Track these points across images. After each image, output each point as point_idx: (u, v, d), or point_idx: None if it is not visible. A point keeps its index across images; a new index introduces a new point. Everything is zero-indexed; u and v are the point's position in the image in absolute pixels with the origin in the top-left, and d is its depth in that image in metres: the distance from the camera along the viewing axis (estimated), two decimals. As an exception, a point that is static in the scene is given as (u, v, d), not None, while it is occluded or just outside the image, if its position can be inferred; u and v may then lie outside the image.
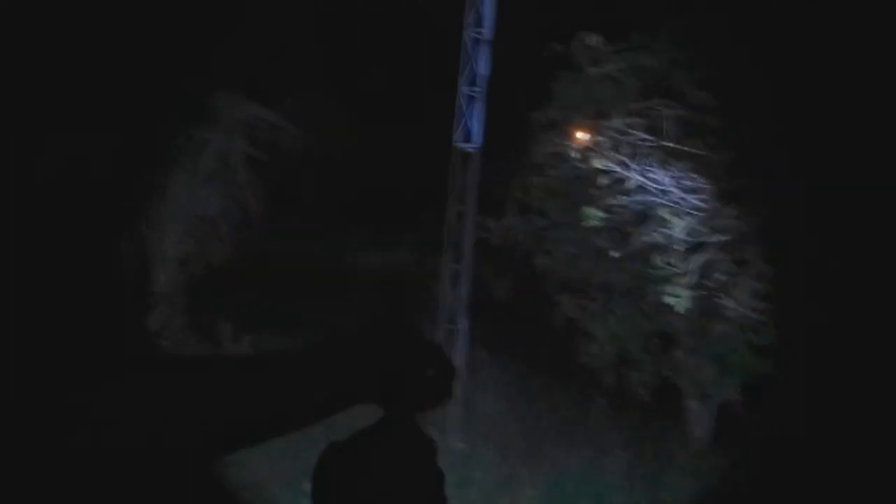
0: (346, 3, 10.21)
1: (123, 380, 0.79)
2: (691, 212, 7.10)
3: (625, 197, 7.43)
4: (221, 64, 9.75)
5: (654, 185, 7.31)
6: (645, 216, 7.42)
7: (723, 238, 7.05)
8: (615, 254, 7.61)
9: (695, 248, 7.20)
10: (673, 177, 7.25)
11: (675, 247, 7.16)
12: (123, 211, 9.62)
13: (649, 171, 7.32)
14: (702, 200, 7.11)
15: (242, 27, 9.89)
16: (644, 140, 7.45)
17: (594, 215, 7.56)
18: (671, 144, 7.34)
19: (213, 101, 9.94)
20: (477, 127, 9.60)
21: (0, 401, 0.74)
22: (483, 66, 9.56)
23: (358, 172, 10.64)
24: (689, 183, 7.19)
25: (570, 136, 8.83)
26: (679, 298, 6.91)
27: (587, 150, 7.95)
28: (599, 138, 7.83)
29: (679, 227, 7.03)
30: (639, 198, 7.38)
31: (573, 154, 8.04)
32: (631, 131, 7.47)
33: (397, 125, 10.28)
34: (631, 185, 7.41)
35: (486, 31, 9.51)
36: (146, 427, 0.77)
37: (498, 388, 9.35)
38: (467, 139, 9.65)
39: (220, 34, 9.75)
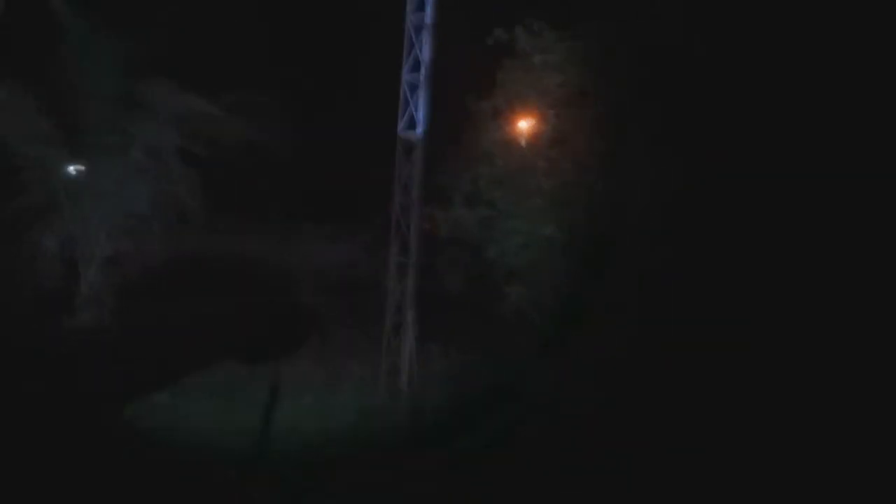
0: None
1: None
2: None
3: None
4: (152, 52, 9.24)
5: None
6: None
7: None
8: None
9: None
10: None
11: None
12: (44, 207, 9.04)
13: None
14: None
15: (176, 14, 9.38)
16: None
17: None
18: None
19: (143, 91, 9.41)
20: (421, 114, 9.36)
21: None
22: (426, 51, 9.31)
23: (301, 165, 10.26)
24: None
25: (517, 125, 8.71)
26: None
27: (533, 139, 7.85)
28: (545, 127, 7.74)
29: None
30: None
31: (521, 143, 7.93)
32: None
33: (340, 115, 9.94)
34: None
35: (428, 15, 9.26)
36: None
37: (445, 380, 9.21)
38: (411, 127, 9.40)
39: (152, 20, 9.23)
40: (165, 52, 9.28)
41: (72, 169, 9.84)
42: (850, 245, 6.79)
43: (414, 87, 9.38)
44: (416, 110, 9.36)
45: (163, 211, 9.72)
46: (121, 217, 9.63)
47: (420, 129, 9.36)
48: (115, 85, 9.30)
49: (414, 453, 6.72)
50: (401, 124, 9.41)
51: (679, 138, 7.47)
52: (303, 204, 10.02)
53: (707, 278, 7.10)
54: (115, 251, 9.58)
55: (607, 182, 7.98)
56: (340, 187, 9.91)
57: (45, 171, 9.44)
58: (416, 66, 9.36)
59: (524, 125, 8.90)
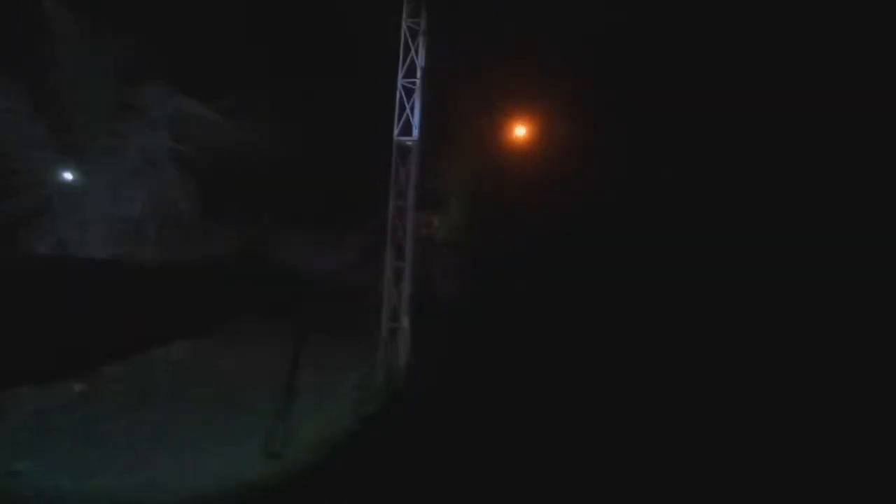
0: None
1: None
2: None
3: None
4: (146, 56, 9.16)
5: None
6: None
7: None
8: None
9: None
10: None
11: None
12: (38, 212, 8.98)
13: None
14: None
15: (172, 18, 9.29)
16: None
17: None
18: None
19: (136, 95, 9.35)
20: (417, 119, 9.32)
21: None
22: (421, 57, 9.27)
23: (296, 170, 10.22)
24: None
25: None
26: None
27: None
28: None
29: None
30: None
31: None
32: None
33: (336, 120, 9.89)
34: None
35: (424, 21, 9.22)
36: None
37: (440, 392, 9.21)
38: (407, 132, 9.38)
39: (147, 25, 9.14)
40: (159, 57, 9.22)
41: (66, 174, 9.77)
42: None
43: (409, 92, 9.34)
44: (411, 115, 9.32)
45: (156, 214, 9.69)
46: (115, 221, 9.59)
47: (415, 133, 9.34)
48: (109, 89, 9.25)
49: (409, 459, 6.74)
50: (396, 129, 9.38)
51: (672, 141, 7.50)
52: (297, 208, 9.99)
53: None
54: (109, 254, 9.54)
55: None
56: (336, 192, 9.88)
57: (39, 176, 9.38)
58: (411, 72, 9.32)
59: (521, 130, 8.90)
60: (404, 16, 9.25)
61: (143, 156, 9.68)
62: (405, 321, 9.31)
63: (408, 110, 9.33)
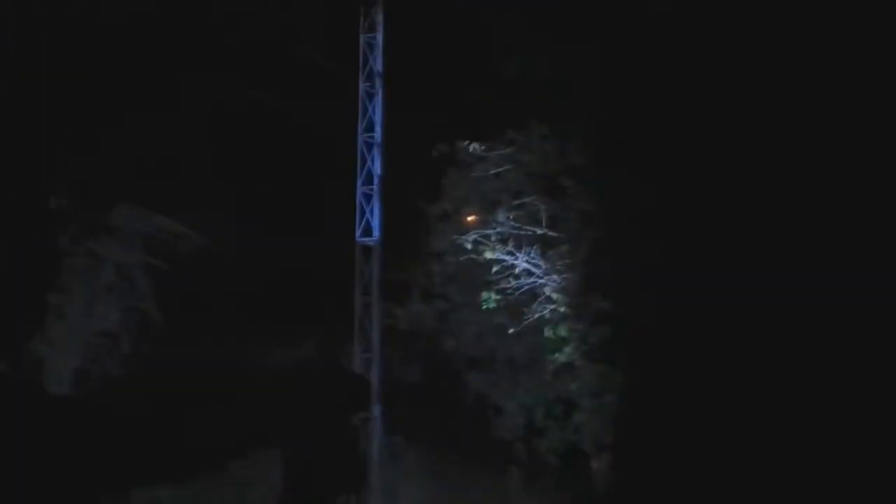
0: (244, 114, 10.64)
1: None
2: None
3: (515, 280, 8.34)
4: (118, 175, 9.87)
5: (537, 269, 8.29)
6: (534, 295, 8.35)
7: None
8: (512, 330, 8.43)
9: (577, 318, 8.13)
10: (550, 260, 8.28)
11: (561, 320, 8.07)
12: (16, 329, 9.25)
13: (532, 258, 8.32)
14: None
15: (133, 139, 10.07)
16: (526, 230, 8.48)
17: (491, 298, 8.41)
18: (547, 232, 8.41)
19: (112, 215, 9.99)
20: (376, 222, 10.27)
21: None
22: (377, 166, 10.34)
23: (261, 273, 10.80)
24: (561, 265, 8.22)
25: (463, 227, 9.65)
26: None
27: (479, 242, 8.83)
28: (488, 231, 8.76)
29: (562, 302, 7.99)
30: (526, 280, 8.32)
31: (467, 245, 8.90)
32: (514, 223, 8.48)
33: (300, 224, 10.66)
34: (519, 270, 8.34)
35: (377, 135, 10.36)
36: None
37: (417, 473, 9.58)
38: (368, 234, 10.28)
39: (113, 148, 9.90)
40: (131, 178, 9.95)
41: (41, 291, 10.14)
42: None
43: (368, 197, 10.34)
44: (370, 218, 10.28)
45: (129, 326, 10.08)
46: (88, 336, 9.92)
47: (375, 235, 10.25)
48: (86, 211, 9.87)
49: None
50: (358, 232, 10.28)
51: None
52: (268, 309, 10.51)
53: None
54: (81, 368, 9.79)
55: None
56: (304, 293, 10.50)
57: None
58: (369, 180, 10.36)
59: (470, 226, 9.84)
60: (359, 130, 10.37)
61: (118, 272, 10.18)
62: (377, 410, 9.76)
63: (367, 214, 10.29)
